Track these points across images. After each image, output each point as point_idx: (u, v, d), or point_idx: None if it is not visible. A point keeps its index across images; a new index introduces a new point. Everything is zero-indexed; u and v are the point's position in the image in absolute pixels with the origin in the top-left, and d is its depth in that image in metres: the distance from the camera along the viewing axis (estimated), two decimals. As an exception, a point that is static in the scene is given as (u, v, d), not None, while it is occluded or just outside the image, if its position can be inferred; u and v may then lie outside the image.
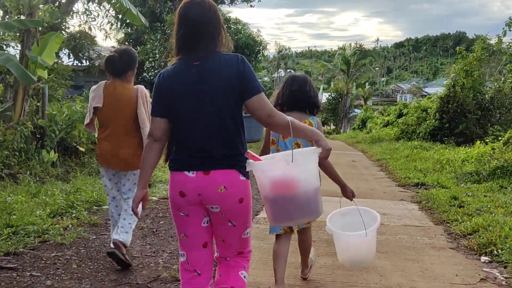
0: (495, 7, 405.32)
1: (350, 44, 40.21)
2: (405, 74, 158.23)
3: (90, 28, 10.56)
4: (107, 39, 22.66)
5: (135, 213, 2.43)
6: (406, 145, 15.38)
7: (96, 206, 5.95)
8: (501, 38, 16.31)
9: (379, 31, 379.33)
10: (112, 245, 3.79)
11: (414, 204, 6.74)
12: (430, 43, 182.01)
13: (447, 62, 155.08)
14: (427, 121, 17.44)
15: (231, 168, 2.24)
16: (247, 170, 2.28)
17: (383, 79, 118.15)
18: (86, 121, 4.02)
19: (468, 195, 6.95)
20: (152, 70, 20.85)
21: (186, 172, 2.25)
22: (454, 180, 8.62)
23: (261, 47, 24.66)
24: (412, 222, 5.68)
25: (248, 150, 2.31)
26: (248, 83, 2.24)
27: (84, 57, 13.79)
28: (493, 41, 17.01)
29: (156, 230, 5.09)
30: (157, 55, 20.48)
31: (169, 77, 2.30)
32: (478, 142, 13.64)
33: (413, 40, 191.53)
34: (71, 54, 12.88)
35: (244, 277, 2.42)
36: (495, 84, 17.32)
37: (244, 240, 2.40)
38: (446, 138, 16.37)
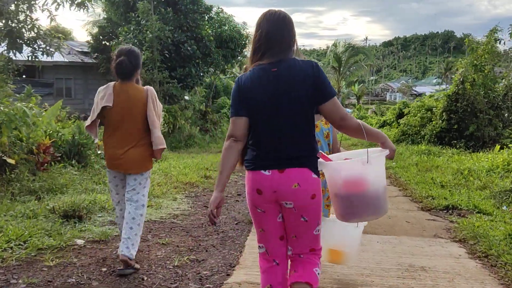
0: (482, 7, 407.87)
1: (341, 42, 38.43)
2: (394, 73, 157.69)
3: (30, 10, 8.39)
4: (74, 35, 20.17)
5: (212, 218, 2.44)
6: (411, 150, 13.45)
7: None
8: (517, 28, 14.45)
9: (367, 30, 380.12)
10: (121, 263, 3.74)
11: (458, 245, 4.74)
12: (418, 42, 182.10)
13: (436, 61, 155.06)
14: (433, 122, 15.52)
15: (304, 167, 2.36)
16: (319, 169, 2.43)
17: (372, 78, 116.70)
18: (88, 122, 3.91)
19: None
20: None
21: (262, 171, 2.37)
22: (491, 200, 6.68)
23: (247, 41, 22.60)
24: (471, 285, 3.68)
25: (320, 151, 2.48)
26: (323, 89, 2.37)
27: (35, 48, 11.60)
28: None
29: None
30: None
31: (248, 82, 2.42)
32: (498, 146, 11.77)
33: (402, 39, 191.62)
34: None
35: (318, 273, 2.50)
36: (507, 80, 15.49)
37: (316, 237, 2.49)
38: (455, 141, 14.49)
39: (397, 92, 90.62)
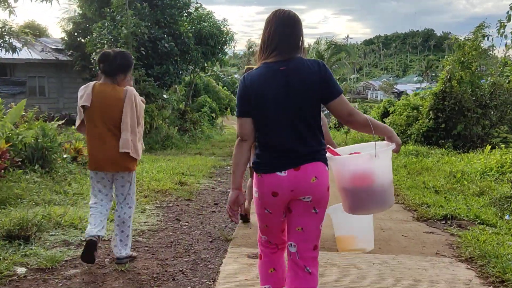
0: (461, 5, 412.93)
1: (323, 40, 37.89)
2: (375, 71, 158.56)
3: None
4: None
5: (232, 215, 2.54)
6: (398, 150, 12.87)
7: None
8: (505, 24, 13.98)
9: (348, 28, 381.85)
10: (117, 263, 3.91)
11: (465, 266, 4.11)
12: (399, 40, 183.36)
13: (416, 59, 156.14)
14: (420, 121, 15.01)
15: (318, 161, 2.42)
16: (328, 163, 2.49)
17: (354, 76, 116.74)
18: (77, 123, 3.91)
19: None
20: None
21: (278, 173, 2.39)
22: (492, 208, 6.11)
23: (227, 38, 21.88)
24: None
25: (328, 145, 2.54)
26: (330, 87, 2.42)
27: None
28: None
29: None
30: (106, 45, 17.48)
31: (256, 80, 2.43)
32: (488, 147, 11.27)
33: (383, 37, 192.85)
34: None
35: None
36: (494, 77, 15.06)
37: (319, 233, 2.53)
38: (442, 141, 13.99)
39: (378, 90, 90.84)
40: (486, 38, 14.48)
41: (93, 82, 3.86)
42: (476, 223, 5.51)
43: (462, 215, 5.76)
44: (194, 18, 21.11)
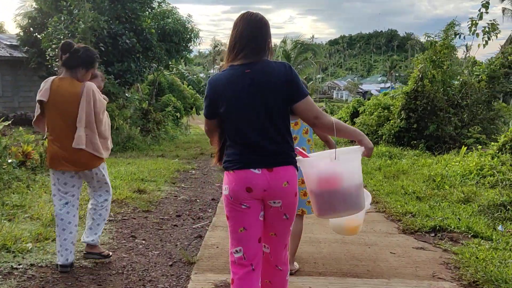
0: (423, 7, 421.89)
1: (288, 40, 37.51)
2: (340, 71, 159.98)
3: None
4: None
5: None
6: (371, 152, 12.39)
7: None
8: (477, 22, 13.69)
9: (313, 29, 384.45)
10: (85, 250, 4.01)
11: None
12: (363, 40, 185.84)
13: (380, 59, 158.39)
14: (391, 121, 14.59)
15: (289, 165, 2.45)
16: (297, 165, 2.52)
17: (319, 76, 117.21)
18: (34, 118, 3.81)
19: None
20: (57, 59, 16.74)
21: (252, 170, 2.40)
22: (482, 217, 5.60)
23: (192, 35, 21.05)
24: None
25: (296, 147, 2.57)
26: (296, 89, 2.44)
27: None
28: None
29: None
30: (62, 41, 16.40)
31: (220, 82, 2.46)
32: (464, 148, 10.88)
33: (347, 37, 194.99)
34: None
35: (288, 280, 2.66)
36: (464, 76, 14.82)
37: (290, 232, 2.59)
38: (414, 141, 13.61)
39: (343, 90, 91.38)
40: (458, 36, 14.25)
41: (53, 77, 3.77)
42: (469, 235, 4.97)
43: (452, 226, 5.22)
44: (157, 14, 20.20)
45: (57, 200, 3.80)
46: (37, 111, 3.77)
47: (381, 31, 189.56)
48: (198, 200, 6.77)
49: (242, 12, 2.56)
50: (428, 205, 6.27)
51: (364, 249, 4.55)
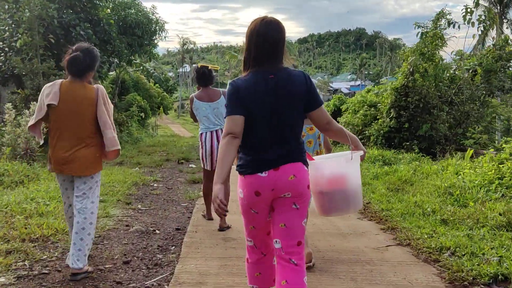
0: (390, 6, 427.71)
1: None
2: (310, 70, 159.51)
3: None
4: None
5: (221, 212, 2.36)
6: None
7: None
8: (472, 10, 12.36)
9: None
10: (72, 274, 3.58)
11: None
12: (332, 39, 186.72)
13: (349, 58, 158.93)
14: (379, 120, 13.14)
15: (297, 161, 2.51)
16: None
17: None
18: (31, 122, 3.71)
19: None
20: (2, 54, 14.65)
21: (259, 174, 2.46)
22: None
23: (157, 27, 19.23)
24: None
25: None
26: (314, 98, 2.55)
27: None
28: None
29: None
30: (7, 33, 14.39)
31: (246, 86, 2.48)
32: (471, 151, 9.47)
33: (316, 36, 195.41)
34: None
35: (306, 281, 2.53)
36: (457, 70, 13.52)
37: (303, 229, 2.56)
38: (407, 143, 12.20)
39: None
40: (452, 26, 12.88)
41: (60, 80, 3.66)
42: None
43: (505, 272, 3.67)
44: (118, 4, 18.32)
45: (65, 198, 3.82)
46: (40, 115, 3.62)
47: (349, 29, 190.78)
48: (157, 231, 5.05)
49: (260, 17, 2.55)
50: (465, 234, 4.73)
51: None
